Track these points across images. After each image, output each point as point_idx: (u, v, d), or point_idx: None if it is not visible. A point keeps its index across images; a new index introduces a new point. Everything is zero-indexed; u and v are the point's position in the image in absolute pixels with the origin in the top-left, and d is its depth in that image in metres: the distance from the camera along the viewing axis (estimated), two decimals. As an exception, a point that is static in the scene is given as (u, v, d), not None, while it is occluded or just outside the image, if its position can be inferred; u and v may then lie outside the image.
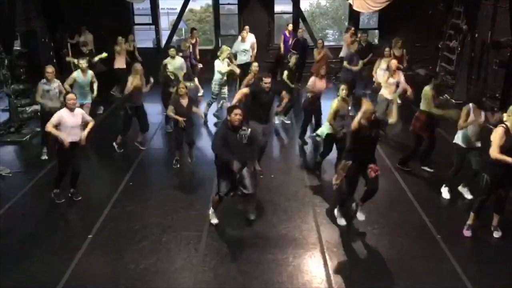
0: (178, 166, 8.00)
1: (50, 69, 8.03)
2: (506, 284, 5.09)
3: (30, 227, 6.17)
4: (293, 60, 9.74)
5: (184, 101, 7.68)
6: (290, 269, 5.31)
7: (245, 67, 10.40)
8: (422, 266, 5.38)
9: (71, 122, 6.44)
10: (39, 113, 10.06)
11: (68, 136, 6.39)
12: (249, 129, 5.95)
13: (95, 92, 8.78)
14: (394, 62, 8.65)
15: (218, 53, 9.98)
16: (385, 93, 8.68)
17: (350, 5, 13.64)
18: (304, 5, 16.99)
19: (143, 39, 15.94)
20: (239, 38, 11.93)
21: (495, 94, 10.34)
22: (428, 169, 7.76)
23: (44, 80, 7.89)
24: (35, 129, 9.78)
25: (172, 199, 6.95)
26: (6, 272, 5.27)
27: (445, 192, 6.93)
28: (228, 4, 15.34)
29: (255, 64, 8.86)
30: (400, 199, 6.92)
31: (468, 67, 11.57)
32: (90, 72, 8.80)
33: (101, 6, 13.37)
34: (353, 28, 12.52)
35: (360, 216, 6.13)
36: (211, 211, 6.25)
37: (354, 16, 14.37)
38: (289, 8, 14.81)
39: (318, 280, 5.13)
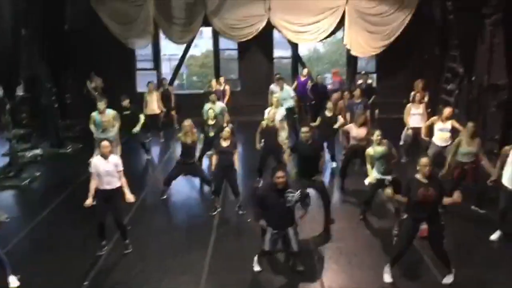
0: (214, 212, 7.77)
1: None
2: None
3: (26, 273, 5.99)
4: (329, 105, 9.55)
5: (226, 143, 7.58)
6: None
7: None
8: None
9: (104, 169, 6.30)
10: (38, 158, 10.14)
11: (102, 184, 6.33)
12: (298, 191, 5.62)
13: (115, 130, 9.13)
14: (448, 110, 8.37)
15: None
16: (436, 139, 8.39)
17: (348, 50, 13.93)
18: (303, 50, 17.38)
19: (145, 83, 16.13)
20: (276, 88, 11.55)
21: (495, 137, 10.36)
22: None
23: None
24: (34, 173, 9.76)
25: (170, 243, 6.86)
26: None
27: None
28: (228, 49, 15.71)
29: (272, 111, 8.78)
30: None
31: (466, 110, 11.65)
32: (111, 112, 9.16)
33: (107, 52, 13.55)
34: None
35: (447, 279, 5.61)
36: (255, 258, 6.01)
37: (352, 60, 14.64)
38: (287, 53, 15.17)
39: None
